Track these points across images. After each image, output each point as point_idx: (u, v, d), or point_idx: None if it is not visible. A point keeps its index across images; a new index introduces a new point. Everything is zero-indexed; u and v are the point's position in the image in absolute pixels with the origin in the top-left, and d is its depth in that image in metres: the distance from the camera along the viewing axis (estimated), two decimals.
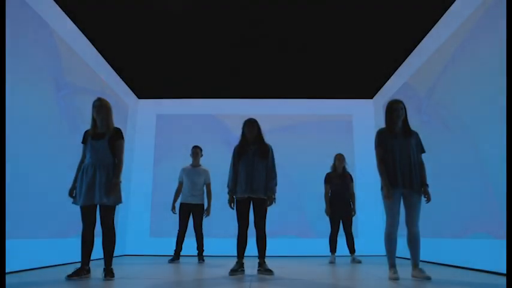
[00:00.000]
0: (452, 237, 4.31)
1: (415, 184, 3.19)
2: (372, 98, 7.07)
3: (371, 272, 3.79)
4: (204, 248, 5.14)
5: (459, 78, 4.22)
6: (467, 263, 3.98)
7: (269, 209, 6.00)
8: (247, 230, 3.65)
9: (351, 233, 5.17)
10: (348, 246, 5.14)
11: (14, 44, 3.55)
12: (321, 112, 7.14)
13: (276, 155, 6.78)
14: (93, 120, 3.33)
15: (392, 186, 3.19)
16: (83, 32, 4.97)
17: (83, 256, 3.19)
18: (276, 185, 3.73)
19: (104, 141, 3.24)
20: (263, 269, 3.55)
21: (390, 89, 6.28)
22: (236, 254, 3.64)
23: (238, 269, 3.54)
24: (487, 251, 3.62)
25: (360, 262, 4.90)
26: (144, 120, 7.16)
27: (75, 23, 4.76)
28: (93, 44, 5.28)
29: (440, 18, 4.62)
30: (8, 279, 3.03)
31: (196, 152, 5.28)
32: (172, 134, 7.05)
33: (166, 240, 5.91)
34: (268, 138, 7.11)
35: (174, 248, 5.06)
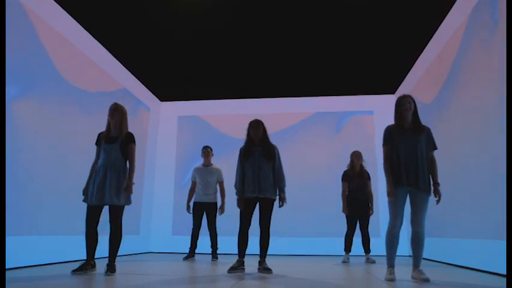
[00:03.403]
0: (457, 237, 4.08)
1: (421, 183, 3.03)
2: (393, 93, 6.82)
3: (374, 272, 3.68)
4: (218, 246, 5.23)
5: (469, 70, 3.97)
6: (473, 263, 3.78)
7: (286, 207, 5.97)
8: (248, 229, 3.70)
9: (367, 233, 5.05)
10: (363, 246, 5.03)
11: (30, 55, 3.85)
12: (341, 109, 7.01)
13: (295, 153, 6.73)
14: (108, 123, 3.53)
15: (396, 184, 3.07)
16: (101, 42, 5.25)
17: (88, 252, 3.38)
18: (285, 185, 3.78)
19: (116, 144, 3.42)
20: (262, 268, 3.58)
21: (410, 83, 6.03)
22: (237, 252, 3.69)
23: (238, 267, 3.59)
24: (490, 252, 3.39)
25: (373, 262, 4.76)
26: (166, 122, 7.41)
27: (92, 34, 5.04)
28: (111, 53, 5.56)
29: (453, 4, 4.39)
30: (17, 273, 3.29)
31: (207, 151, 5.38)
32: (193, 135, 7.23)
33: (188, 239, 6.07)
34: (287, 136, 7.11)
35: (189, 246, 5.21)
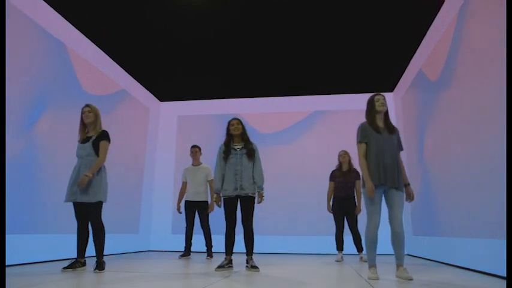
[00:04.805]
0: (455, 237, 4.03)
1: (398, 181, 3.05)
2: (392, 91, 6.77)
3: (361, 271, 3.68)
4: (212, 244, 5.27)
5: (466, 66, 3.92)
6: (468, 263, 3.73)
7: (288, 206, 5.95)
8: (234, 227, 3.73)
9: (357, 231, 5.02)
10: (355, 245, 5.01)
11: (33, 60, 3.94)
12: (340, 107, 6.99)
13: (294, 153, 6.68)
14: (82, 124, 3.59)
15: (373, 183, 3.07)
16: (99, 45, 5.34)
17: (78, 250, 3.46)
18: (263, 182, 3.78)
19: (89, 143, 3.48)
20: (250, 266, 3.61)
21: (407, 80, 5.97)
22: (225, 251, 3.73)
23: (225, 265, 3.62)
24: (488, 252, 3.35)
25: (366, 261, 4.74)
26: (165, 122, 7.48)
27: (88, 37, 5.12)
28: (109, 55, 5.64)
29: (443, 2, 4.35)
30: (8, 270, 3.38)
31: (195, 151, 5.45)
32: (193, 135, 7.28)
33: None
34: (285, 135, 7.09)
35: (184, 245, 5.26)
